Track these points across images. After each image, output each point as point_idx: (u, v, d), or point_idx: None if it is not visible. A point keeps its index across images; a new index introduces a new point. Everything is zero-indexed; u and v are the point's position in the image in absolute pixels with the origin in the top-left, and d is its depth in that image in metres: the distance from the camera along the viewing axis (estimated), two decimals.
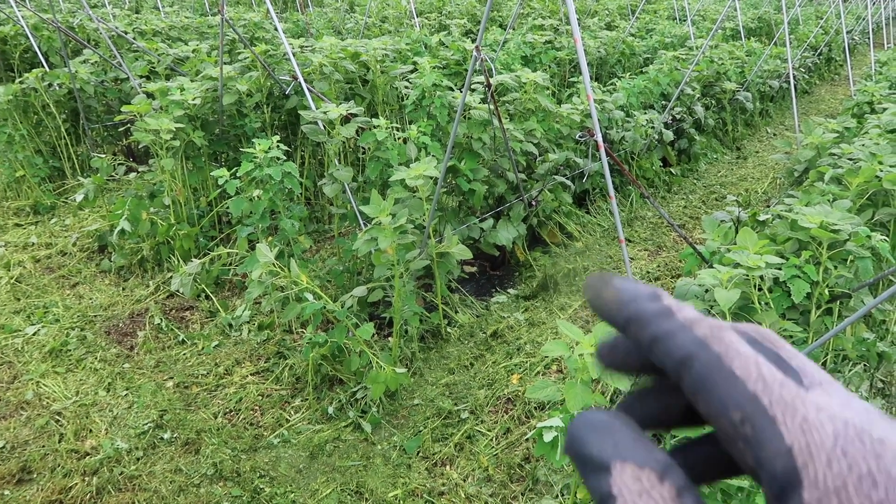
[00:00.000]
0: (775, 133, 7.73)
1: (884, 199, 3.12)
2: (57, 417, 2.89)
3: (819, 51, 10.69)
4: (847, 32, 9.98)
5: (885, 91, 5.61)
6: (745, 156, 6.83)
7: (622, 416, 0.27)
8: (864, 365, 2.95)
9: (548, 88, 4.54)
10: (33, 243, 4.38)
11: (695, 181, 5.99)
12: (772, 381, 0.24)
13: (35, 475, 2.60)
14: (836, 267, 2.49)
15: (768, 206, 4.93)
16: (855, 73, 9.43)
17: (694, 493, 0.24)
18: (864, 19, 14.04)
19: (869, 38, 10.38)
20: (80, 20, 7.12)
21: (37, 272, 4.06)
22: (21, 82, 4.87)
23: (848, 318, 2.15)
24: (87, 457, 2.68)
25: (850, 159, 3.57)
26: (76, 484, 2.54)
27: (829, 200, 3.01)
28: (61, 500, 2.49)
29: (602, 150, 2.46)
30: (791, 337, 2.41)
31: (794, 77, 8.58)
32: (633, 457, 0.24)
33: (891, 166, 3.16)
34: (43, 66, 5.28)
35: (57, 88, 5.06)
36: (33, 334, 3.46)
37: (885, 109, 4.67)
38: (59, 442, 2.75)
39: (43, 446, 2.73)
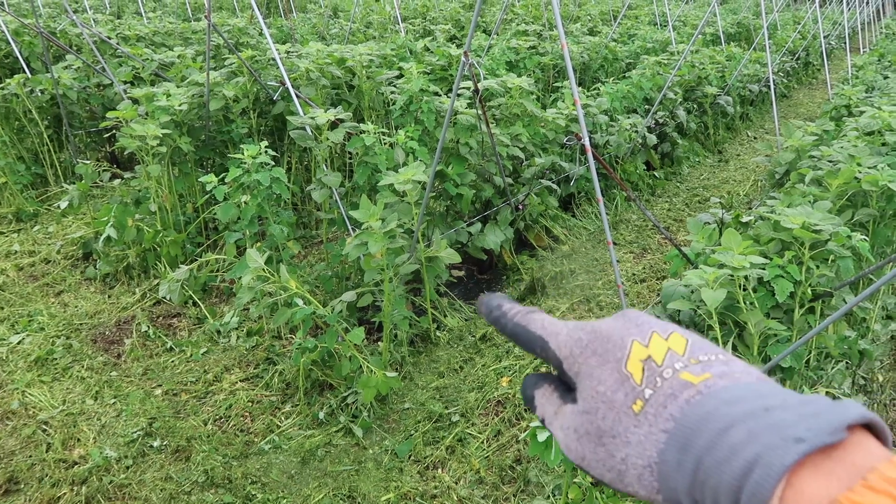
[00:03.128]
0: (756, 136, 7.85)
1: (863, 199, 3.19)
2: (44, 427, 2.86)
3: (797, 55, 10.88)
4: (824, 37, 10.17)
5: (861, 94, 5.73)
6: (727, 159, 6.94)
7: (539, 374, 0.47)
8: (847, 363, 3.01)
9: (533, 93, 4.58)
10: (16, 251, 4.33)
11: (678, 184, 6.06)
12: (550, 325, 0.45)
13: (22, 485, 2.57)
14: (818, 266, 2.54)
15: (751, 208, 5.01)
16: (832, 77, 9.61)
17: (563, 386, 0.45)
18: (840, 24, 14.32)
19: (845, 43, 10.59)
20: (63, 25, 7.05)
21: (20, 280, 4.01)
22: (2, 88, 4.82)
23: (830, 316, 2.20)
24: (76, 466, 2.65)
25: (830, 161, 3.65)
26: (65, 493, 2.52)
27: (810, 202, 3.07)
28: None
29: (589, 153, 2.49)
30: (776, 335, 2.46)
31: (774, 81, 8.73)
32: (539, 386, 0.46)
33: (869, 168, 3.23)
34: (24, 72, 5.23)
35: (39, 94, 5.01)
36: (18, 343, 3.42)
37: (862, 112, 4.77)
38: (47, 451, 2.72)
39: (30, 456, 2.70)
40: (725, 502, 0.32)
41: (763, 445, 0.31)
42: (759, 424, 0.32)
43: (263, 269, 2.73)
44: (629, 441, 0.37)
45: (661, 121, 6.00)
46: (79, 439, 2.80)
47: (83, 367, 3.26)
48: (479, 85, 3.47)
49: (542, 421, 0.44)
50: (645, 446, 0.36)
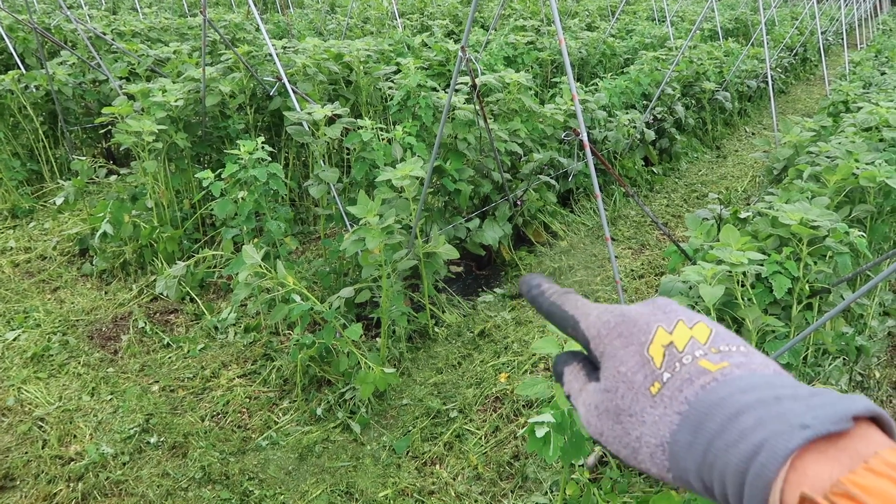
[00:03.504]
0: (754, 132, 7.85)
1: (860, 195, 3.18)
2: (40, 423, 2.85)
3: (795, 51, 10.87)
4: (822, 33, 10.17)
5: (859, 90, 5.72)
6: (725, 154, 6.93)
7: (570, 352, 0.49)
8: (844, 359, 3.01)
9: (531, 89, 4.57)
10: (11, 248, 4.31)
11: (676, 180, 6.06)
12: (582, 306, 0.47)
13: (18, 482, 2.56)
14: (815, 262, 2.54)
15: (749, 204, 5.01)
16: (830, 73, 9.61)
17: (590, 364, 0.46)
18: (837, 20, 14.32)
19: (843, 39, 10.59)
20: (58, 21, 7.01)
21: (16, 277, 4.00)
22: None
23: (828, 312, 2.19)
24: (72, 462, 2.64)
25: (828, 157, 3.64)
26: (61, 490, 2.51)
27: (808, 198, 3.07)
28: None
29: (588, 149, 2.48)
30: (773, 332, 2.46)
31: (772, 77, 8.72)
32: (568, 363, 0.47)
33: (867, 164, 3.23)
34: (19, 68, 5.20)
35: (34, 90, 4.98)
36: (13, 339, 3.40)
37: (859, 108, 4.77)
38: (43, 448, 2.72)
39: (26, 452, 2.69)
40: (732, 483, 0.34)
41: (770, 431, 0.33)
42: (769, 412, 0.34)
43: (260, 266, 2.72)
44: (644, 420, 0.39)
45: (659, 116, 6.00)
46: (75, 436, 2.79)
47: (79, 363, 3.25)
48: (477, 80, 3.46)
49: (569, 396, 0.47)
50: (659, 426, 0.38)
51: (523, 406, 2.99)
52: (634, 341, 0.41)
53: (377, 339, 3.34)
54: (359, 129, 3.48)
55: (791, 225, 2.50)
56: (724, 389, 0.36)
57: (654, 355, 0.40)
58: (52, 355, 3.30)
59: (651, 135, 5.60)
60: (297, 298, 2.83)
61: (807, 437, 0.32)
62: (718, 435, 0.35)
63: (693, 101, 6.83)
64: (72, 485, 2.54)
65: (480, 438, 2.83)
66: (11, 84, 4.76)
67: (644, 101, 6.08)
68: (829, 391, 0.35)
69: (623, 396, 0.40)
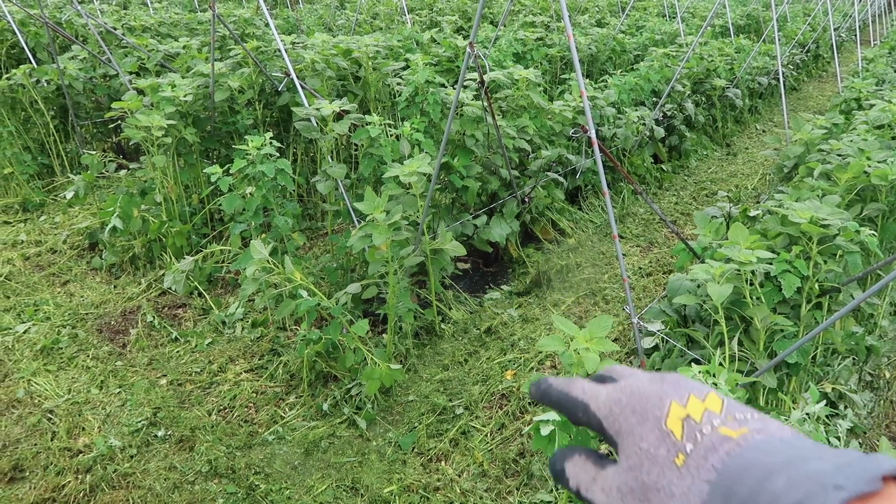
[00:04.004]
0: (764, 130, 7.79)
1: (872, 194, 3.15)
2: (49, 415, 2.88)
3: (807, 48, 10.77)
4: (834, 29, 10.07)
5: (872, 87, 5.66)
6: (735, 152, 6.88)
7: (568, 447, 0.49)
8: (853, 358, 2.99)
9: (540, 85, 4.55)
10: (22, 241, 4.35)
11: (685, 177, 6.02)
12: (590, 389, 0.47)
13: (28, 473, 2.59)
14: (825, 262, 2.52)
15: (759, 202, 4.97)
16: (842, 70, 9.51)
17: (596, 455, 0.46)
18: (850, 16, 14.17)
19: (856, 35, 10.48)
20: (69, 16, 7.05)
21: (26, 270, 4.03)
22: (8, 78, 4.82)
23: (837, 312, 2.18)
24: (81, 455, 2.66)
25: (839, 155, 3.61)
26: (69, 482, 2.53)
27: (818, 196, 3.04)
28: (55, 498, 2.48)
29: (595, 146, 2.47)
30: (782, 331, 2.44)
31: (783, 74, 8.65)
32: (568, 457, 0.47)
33: (879, 162, 3.19)
34: (30, 62, 5.23)
35: (45, 85, 5.02)
36: (24, 332, 3.43)
37: (872, 106, 4.72)
38: (52, 440, 2.74)
39: (35, 444, 2.72)
40: None
41: (803, 493, 0.33)
42: (799, 473, 0.34)
43: (268, 261, 2.73)
44: (673, 493, 0.39)
45: (668, 113, 5.96)
46: (83, 428, 2.81)
47: (88, 356, 3.27)
48: (485, 76, 3.45)
49: (577, 491, 0.46)
50: (689, 497, 0.38)
51: (529, 403, 2.98)
52: (650, 416, 0.42)
53: (384, 335, 3.34)
54: (367, 124, 3.48)
55: (801, 223, 2.47)
56: (749, 454, 0.37)
57: (673, 428, 0.40)
58: (61, 348, 3.32)
59: (660, 132, 5.57)
60: (304, 294, 2.83)
61: (843, 499, 0.32)
62: (750, 499, 0.35)
63: (703, 98, 6.79)
64: (80, 477, 2.56)
65: (486, 435, 2.83)
66: (23, 78, 4.80)
67: (654, 98, 6.04)
68: (852, 451, 0.36)
69: (648, 472, 0.40)
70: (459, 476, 2.62)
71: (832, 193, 3.08)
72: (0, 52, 6.56)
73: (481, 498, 2.52)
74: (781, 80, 6.07)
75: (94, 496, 2.49)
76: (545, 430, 1.77)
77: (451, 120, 3.01)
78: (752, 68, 7.89)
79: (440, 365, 3.29)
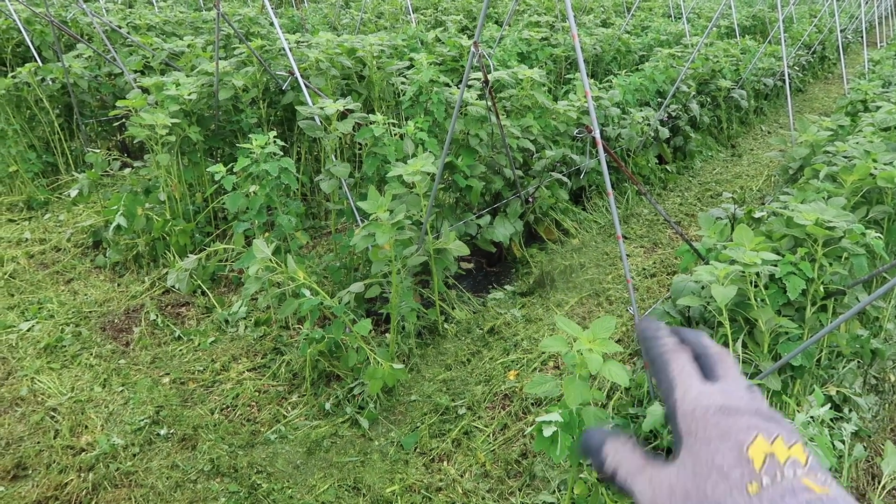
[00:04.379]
0: (770, 131, 7.76)
1: (878, 196, 3.14)
2: (52, 413, 2.88)
3: (813, 49, 10.73)
4: (841, 31, 10.03)
5: (878, 89, 5.63)
6: (740, 153, 6.86)
7: (605, 429, 0.49)
8: (858, 361, 2.97)
9: (544, 85, 4.54)
10: (27, 239, 4.36)
11: (690, 178, 6.01)
12: (686, 374, 0.47)
13: (30, 471, 2.59)
14: (830, 264, 2.51)
15: (763, 204, 4.96)
16: (848, 72, 9.48)
17: (643, 449, 0.46)
18: (857, 18, 14.11)
19: (862, 37, 10.43)
20: (74, 14, 7.06)
21: (30, 268, 4.04)
22: (13, 77, 4.84)
23: (842, 315, 2.16)
24: (83, 453, 2.67)
25: (845, 157, 3.59)
26: (72, 480, 2.54)
27: (823, 198, 3.03)
28: (57, 496, 2.48)
29: (600, 146, 2.46)
30: (787, 333, 2.43)
31: (789, 75, 8.61)
32: (611, 438, 0.48)
33: (885, 164, 3.17)
34: (36, 61, 5.25)
35: (50, 83, 5.03)
36: (27, 330, 3.44)
37: (878, 108, 4.69)
38: (55, 438, 2.74)
39: (38, 442, 2.72)
40: None
41: None
42: None
43: (271, 260, 2.72)
44: None
45: (673, 114, 5.94)
46: (86, 426, 2.81)
47: (92, 354, 3.28)
48: (489, 76, 3.44)
49: (613, 474, 0.46)
50: None
51: (532, 404, 2.97)
52: (733, 437, 0.41)
53: (386, 334, 3.34)
54: (370, 124, 3.47)
55: (806, 225, 2.46)
56: None
57: (753, 457, 0.40)
58: (65, 346, 3.33)
59: (665, 133, 5.55)
60: (307, 293, 2.83)
61: None
62: None
63: (708, 99, 6.76)
64: (82, 475, 2.56)
65: (489, 436, 2.82)
66: (28, 77, 4.81)
67: (659, 99, 6.02)
68: None
69: (714, 486, 0.40)
70: (462, 476, 2.62)
71: (838, 195, 3.06)
72: (6, 50, 6.58)
73: (483, 498, 2.52)
74: (787, 81, 6.04)
75: (97, 494, 2.49)
76: (547, 431, 1.77)
77: (454, 119, 3.01)
78: (758, 69, 7.86)
79: (443, 365, 3.29)
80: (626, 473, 0.45)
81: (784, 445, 0.41)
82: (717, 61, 6.96)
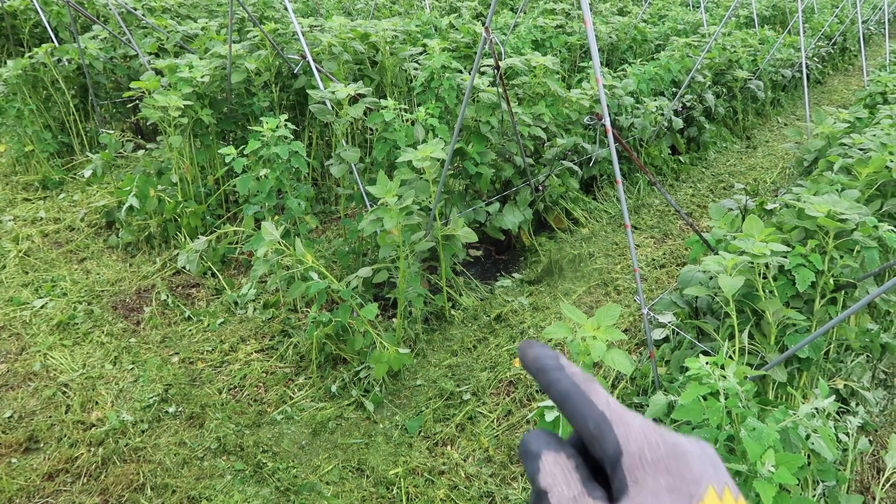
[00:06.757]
0: (786, 123, 7.66)
1: (893, 189, 3.10)
2: (64, 389, 2.93)
3: (833, 40, 10.55)
4: (863, 22, 9.84)
5: None
6: (755, 145, 6.78)
7: (552, 433, 0.42)
8: (867, 356, 2.95)
9: (557, 73, 4.51)
10: (42, 218, 4.41)
11: (703, 170, 5.95)
12: (616, 407, 0.40)
13: (42, 444, 2.64)
14: (841, 256, 2.48)
15: (777, 196, 4.91)
16: (870, 64, 9.31)
17: (585, 468, 0.40)
18: (880, 9, 13.84)
19: (885, 29, 10.24)
20: None
21: (45, 247, 4.09)
22: (30, 57, 4.88)
23: (851, 307, 2.14)
24: (93, 428, 2.72)
25: (861, 149, 3.54)
26: (82, 454, 2.58)
27: (837, 190, 2.99)
28: (67, 468, 2.53)
29: (609, 133, 2.44)
30: (794, 325, 2.42)
31: (807, 66, 8.49)
32: (552, 449, 0.40)
33: None
34: (52, 42, 5.28)
35: (66, 64, 5.06)
36: (41, 307, 3.49)
37: None
38: (66, 413, 2.79)
39: (50, 417, 2.78)
40: None
41: None
42: None
43: (279, 242, 2.74)
44: None
45: (688, 104, 5.88)
46: (97, 402, 2.86)
47: (103, 332, 3.32)
48: (502, 62, 3.42)
49: (544, 492, 0.39)
50: None
51: (536, 391, 2.98)
52: (683, 490, 0.36)
53: (393, 319, 3.36)
54: (381, 109, 3.47)
55: (818, 217, 2.44)
56: None
57: None
58: (77, 324, 3.38)
59: (679, 123, 5.50)
60: (315, 276, 2.85)
61: None
62: None
63: (724, 90, 6.68)
64: (92, 449, 2.61)
65: (493, 421, 2.84)
66: (45, 57, 4.84)
67: (673, 89, 5.96)
68: None
69: None
70: (465, 461, 2.64)
71: (852, 188, 3.02)
72: (23, 31, 6.63)
73: (486, 483, 2.53)
74: (805, 72, 5.95)
75: (106, 468, 2.54)
76: (549, 416, 1.77)
77: (464, 105, 3.00)
78: (776, 60, 7.75)
79: (449, 350, 3.30)
80: (556, 500, 0.38)
81: (732, 498, 0.37)
82: (735, 51, 6.87)
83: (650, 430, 0.38)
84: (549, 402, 1.85)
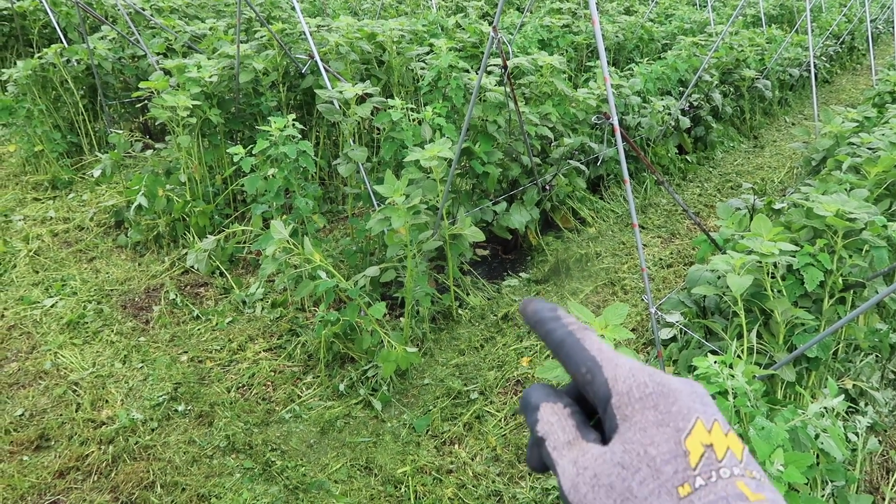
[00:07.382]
0: (794, 122, 7.63)
1: None
2: (74, 387, 2.96)
3: (841, 39, 10.50)
4: (871, 21, 9.79)
5: None
6: (763, 145, 6.76)
7: (550, 386, 0.44)
8: (876, 356, 2.94)
9: (564, 72, 4.51)
10: (51, 217, 4.44)
11: (710, 169, 5.94)
12: (608, 352, 0.41)
13: (53, 442, 2.67)
14: (850, 256, 2.47)
15: (784, 195, 4.89)
16: (878, 63, 9.26)
17: (581, 414, 0.41)
18: (889, 8, 13.76)
19: (893, 28, 10.18)
20: None
21: (55, 246, 4.12)
22: (40, 58, 4.91)
23: (860, 306, 2.14)
24: (104, 426, 2.74)
25: (870, 149, 3.53)
26: (92, 452, 2.60)
27: (845, 189, 2.98)
28: (78, 466, 2.55)
29: (617, 133, 2.44)
30: (803, 325, 2.41)
31: (815, 66, 8.45)
32: (550, 400, 0.42)
33: None
34: (61, 42, 5.32)
35: (75, 64, 5.10)
36: (51, 306, 3.52)
37: None
38: (77, 411, 2.82)
39: (60, 415, 2.80)
40: None
41: None
42: None
43: (287, 241, 2.76)
44: None
45: (695, 104, 5.87)
46: (107, 401, 2.88)
47: (113, 331, 3.35)
48: (509, 62, 3.42)
49: (542, 439, 0.40)
50: None
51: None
52: (671, 424, 0.37)
53: (401, 318, 3.36)
54: (389, 108, 3.48)
55: (826, 216, 2.43)
56: None
57: (691, 450, 0.36)
58: (86, 323, 3.40)
59: (686, 122, 5.49)
60: (323, 275, 2.86)
61: None
62: None
63: (731, 89, 6.66)
64: (103, 447, 2.63)
65: (500, 420, 2.84)
66: (54, 58, 4.88)
67: (680, 88, 5.95)
68: None
69: (642, 482, 0.35)
70: (472, 460, 2.65)
71: (861, 187, 3.01)
72: (32, 31, 6.67)
73: (493, 482, 2.54)
74: (813, 71, 5.93)
75: (116, 466, 2.56)
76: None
77: (472, 105, 3.00)
78: (784, 59, 7.72)
79: (456, 350, 3.31)
80: (552, 445, 0.39)
81: (722, 432, 0.37)
82: (742, 50, 6.85)
83: (639, 370, 0.39)
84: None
